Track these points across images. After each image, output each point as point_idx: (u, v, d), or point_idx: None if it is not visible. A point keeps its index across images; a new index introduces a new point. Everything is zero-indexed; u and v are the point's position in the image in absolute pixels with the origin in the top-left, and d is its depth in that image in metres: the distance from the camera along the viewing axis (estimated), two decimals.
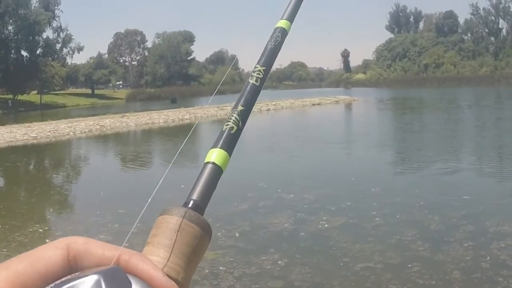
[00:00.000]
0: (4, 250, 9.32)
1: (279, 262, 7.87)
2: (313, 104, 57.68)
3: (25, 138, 32.65)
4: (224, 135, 0.83)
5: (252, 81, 0.91)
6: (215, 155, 0.80)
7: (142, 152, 25.18)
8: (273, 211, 11.00)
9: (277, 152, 21.53)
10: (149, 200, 0.73)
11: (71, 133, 35.38)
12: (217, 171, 0.78)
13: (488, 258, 7.57)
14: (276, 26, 1.02)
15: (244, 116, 0.86)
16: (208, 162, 0.79)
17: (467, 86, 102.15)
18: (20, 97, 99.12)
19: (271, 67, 0.96)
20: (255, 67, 0.93)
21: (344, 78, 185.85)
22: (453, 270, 7.15)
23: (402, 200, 11.44)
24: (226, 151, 0.81)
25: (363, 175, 15.19)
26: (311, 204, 11.52)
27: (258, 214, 10.87)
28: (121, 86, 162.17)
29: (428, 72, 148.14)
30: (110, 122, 40.36)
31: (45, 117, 55.86)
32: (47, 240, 9.81)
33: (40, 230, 10.82)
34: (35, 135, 33.43)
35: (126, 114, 47.49)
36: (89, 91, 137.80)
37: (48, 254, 0.59)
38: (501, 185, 13.44)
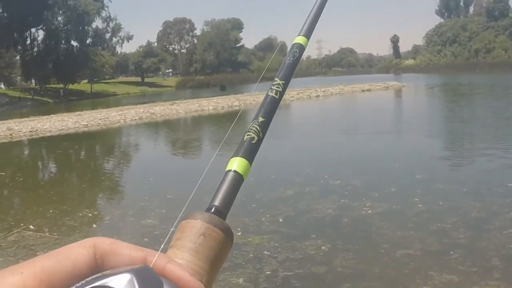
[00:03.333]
0: (55, 233, 9.61)
1: (322, 247, 7.96)
2: (363, 90, 57.22)
3: (76, 126, 33.22)
4: (245, 144, 0.86)
5: (272, 94, 0.95)
6: (237, 164, 0.83)
7: (191, 138, 25.43)
8: (318, 197, 11.08)
9: (326, 138, 21.55)
10: (196, 187, 0.85)
11: (121, 120, 35.90)
12: (239, 179, 0.81)
13: None
14: (294, 42, 1.09)
15: (264, 127, 0.90)
16: (229, 170, 0.82)
17: None
18: (70, 86, 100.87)
19: (289, 80, 1.00)
20: (275, 81, 0.98)
21: (393, 64, 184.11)
22: (493, 258, 7.13)
23: (445, 187, 11.36)
24: (247, 160, 0.84)
25: (410, 162, 15.11)
26: (356, 190, 11.56)
27: (302, 200, 10.95)
28: (170, 74, 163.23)
29: (478, 57, 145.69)
30: (160, 110, 40.75)
31: (95, 105, 56.73)
32: (94, 225, 10.17)
33: (90, 215, 11.09)
34: (86, 123, 34.00)
35: (176, 101, 47.85)
36: (139, 79, 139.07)
37: (75, 252, 0.60)
38: None
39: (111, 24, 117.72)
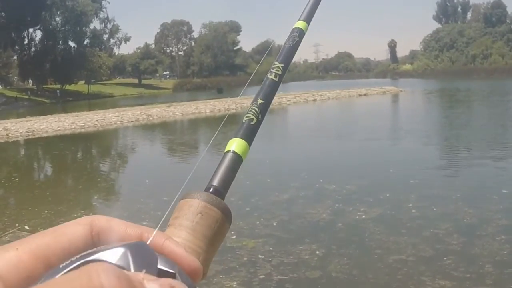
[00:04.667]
0: None
1: (317, 252, 7.99)
2: (360, 95, 57.30)
3: (73, 127, 33.20)
4: (244, 126, 0.87)
5: (271, 76, 0.96)
6: (236, 145, 0.83)
7: (188, 141, 25.48)
8: (313, 202, 11.09)
9: (322, 143, 21.59)
10: (183, 186, 0.81)
11: (118, 122, 35.91)
12: (237, 159, 0.82)
13: None
14: (294, 26, 1.09)
15: (263, 108, 0.90)
16: (228, 151, 0.82)
17: None
18: (67, 87, 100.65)
19: (289, 64, 1.01)
20: (274, 64, 0.98)
21: (391, 68, 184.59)
22: (486, 264, 7.18)
23: (439, 192, 11.40)
24: (246, 141, 0.84)
25: (404, 167, 15.13)
26: (350, 195, 11.58)
27: (297, 204, 10.98)
28: (168, 76, 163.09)
29: (476, 63, 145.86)
30: (157, 112, 40.77)
31: (92, 106, 56.60)
32: None
33: (85, 216, 11.06)
34: (82, 124, 33.98)
35: (173, 103, 47.82)
36: (136, 81, 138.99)
37: (71, 229, 0.61)
38: None
39: (108, 25, 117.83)
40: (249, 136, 0.86)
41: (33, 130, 31.47)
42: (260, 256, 7.90)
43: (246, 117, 0.88)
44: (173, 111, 41.29)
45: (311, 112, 42.62)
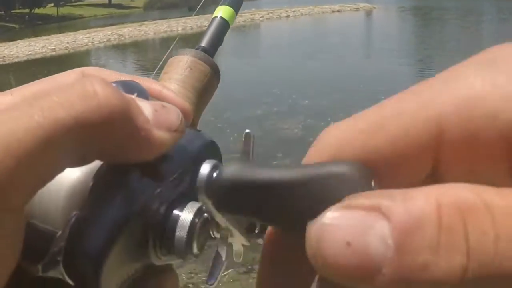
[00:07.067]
0: None
1: None
2: (333, 11, 56.56)
3: (43, 50, 32.69)
4: None
5: None
6: (222, 11, 0.86)
7: (160, 60, 25.33)
8: (285, 117, 11.14)
9: (295, 59, 21.46)
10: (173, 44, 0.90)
11: (89, 43, 35.36)
12: (224, 24, 0.85)
13: None
14: None
15: None
16: (216, 17, 0.86)
17: None
18: (36, 10, 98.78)
19: None
20: None
21: None
22: None
23: None
24: (232, 7, 0.87)
25: (375, 84, 15.13)
26: (323, 110, 11.61)
27: (270, 120, 11.01)
28: None
29: None
30: (128, 31, 40.14)
31: (63, 29, 55.68)
32: None
33: None
34: (53, 47, 33.44)
35: (144, 22, 46.94)
36: (106, 1, 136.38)
37: (63, 77, 0.61)
38: None
39: None
40: (236, 3, 0.90)
41: (3, 56, 30.91)
42: None
43: None
44: (144, 30, 40.64)
45: (284, 29, 42.20)
